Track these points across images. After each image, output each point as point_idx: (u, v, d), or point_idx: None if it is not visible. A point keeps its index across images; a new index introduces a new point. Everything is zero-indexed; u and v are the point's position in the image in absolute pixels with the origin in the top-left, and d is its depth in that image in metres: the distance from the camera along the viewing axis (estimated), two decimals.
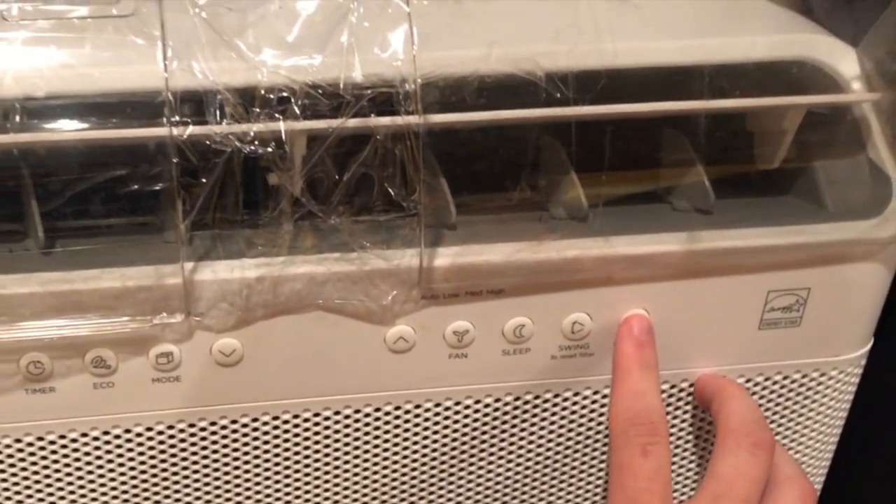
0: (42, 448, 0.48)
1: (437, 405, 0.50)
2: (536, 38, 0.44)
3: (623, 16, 0.46)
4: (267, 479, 0.51)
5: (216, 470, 0.51)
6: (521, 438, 0.52)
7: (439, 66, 0.43)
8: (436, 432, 0.51)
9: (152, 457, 0.49)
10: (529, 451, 0.53)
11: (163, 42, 0.42)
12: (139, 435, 0.48)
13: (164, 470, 0.50)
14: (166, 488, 0.51)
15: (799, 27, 0.50)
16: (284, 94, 0.42)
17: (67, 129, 0.42)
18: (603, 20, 0.45)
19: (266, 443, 0.50)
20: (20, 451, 0.48)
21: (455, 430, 0.51)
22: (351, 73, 0.43)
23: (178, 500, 0.51)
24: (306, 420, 0.50)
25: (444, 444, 0.52)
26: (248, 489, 0.52)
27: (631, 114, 0.46)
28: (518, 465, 0.54)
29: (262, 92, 0.42)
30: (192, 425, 0.49)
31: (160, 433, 0.49)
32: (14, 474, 0.48)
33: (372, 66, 0.43)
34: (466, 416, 0.51)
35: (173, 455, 0.49)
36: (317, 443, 0.51)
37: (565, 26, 0.44)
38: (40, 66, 0.41)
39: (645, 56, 0.46)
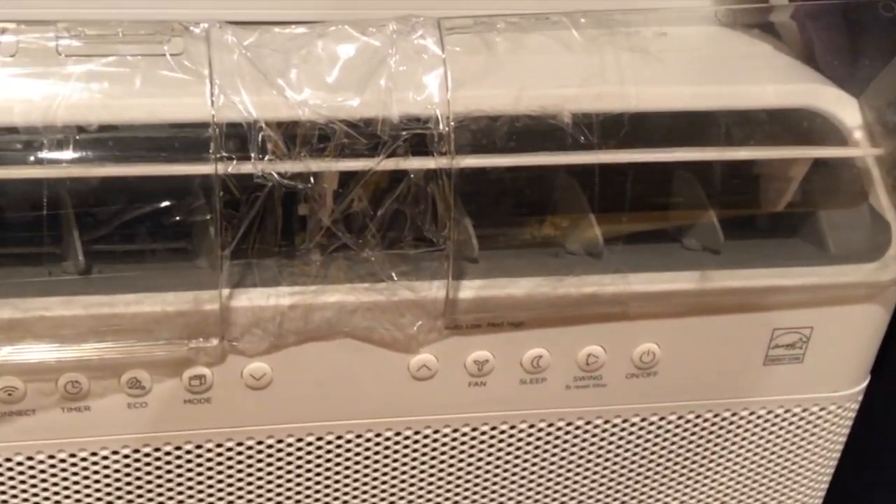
0: (74, 465, 0.50)
1: (456, 431, 0.52)
2: (564, 84, 0.47)
3: (645, 65, 0.48)
4: (288, 499, 0.53)
5: (240, 489, 0.52)
6: (534, 465, 0.55)
7: (471, 109, 0.45)
8: (453, 457, 0.53)
9: (179, 475, 0.51)
10: (541, 477, 0.55)
11: (210, 80, 0.44)
12: (168, 454, 0.50)
13: (191, 488, 0.52)
14: None
15: (805, 77, 0.53)
16: (324, 133, 0.44)
17: (116, 160, 0.44)
18: (626, 68, 0.47)
19: (289, 464, 0.52)
20: (52, 466, 0.49)
21: (471, 456, 0.53)
22: (388, 115, 0.45)
23: None
24: (329, 443, 0.52)
25: (461, 470, 0.54)
26: None
27: (648, 161, 0.48)
28: (531, 490, 0.56)
29: (303, 130, 0.44)
30: (219, 445, 0.50)
31: (188, 452, 0.50)
32: (45, 489, 0.50)
33: (408, 108, 0.45)
34: (483, 443, 0.53)
35: (199, 474, 0.51)
36: (338, 465, 0.52)
37: (591, 74, 0.47)
38: (92, 99, 0.43)
39: (663, 102, 0.49)
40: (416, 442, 0.52)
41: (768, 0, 0.55)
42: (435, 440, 0.52)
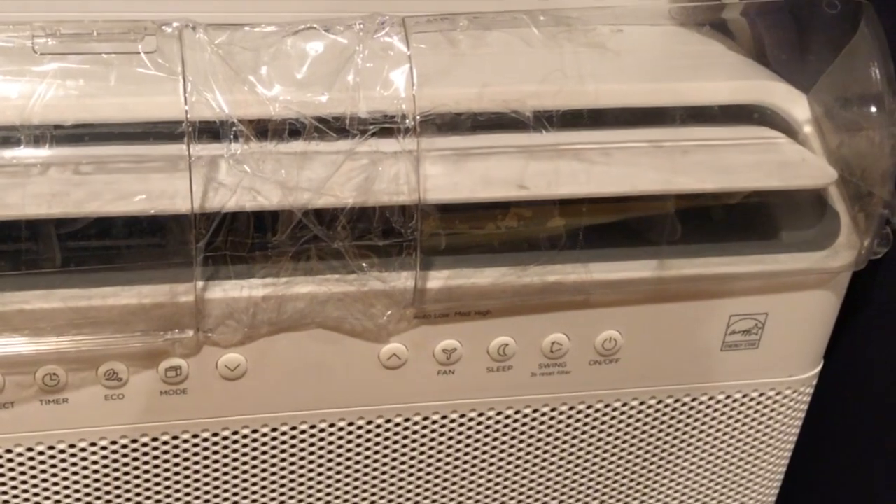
0: (52, 457, 0.51)
1: (426, 419, 0.54)
2: (525, 80, 0.49)
3: (603, 62, 0.50)
4: (263, 488, 0.54)
5: (216, 479, 0.53)
6: (503, 451, 0.56)
7: (437, 104, 0.47)
8: (423, 444, 0.55)
9: (156, 466, 0.52)
10: (509, 462, 0.57)
11: (183, 77, 0.45)
12: (145, 445, 0.51)
13: (167, 479, 0.53)
14: (168, 497, 0.53)
15: (756, 74, 0.55)
16: (295, 128, 0.46)
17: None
18: (585, 65, 0.49)
19: (264, 453, 0.53)
20: (31, 459, 0.50)
21: (441, 443, 0.55)
22: (356, 110, 0.46)
23: None
24: (303, 432, 0.53)
25: (431, 457, 0.55)
26: (245, 499, 0.54)
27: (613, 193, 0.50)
28: (499, 476, 0.57)
29: (274, 125, 0.46)
30: (195, 436, 0.52)
31: (165, 443, 0.52)
32: (24, 482, 0.51)
33: (375, 103, 0.47)
34: (452, 430, 0.55)
35: (176, 465, 0.52)
36: (312, 454, 0.54)
37: (551, 70, 0.49)
38: (68, 96, 0.45)
39: (622, 98, 0.51)
40: (387, 430, 0.54)
41: None
42: (406, 428, 0.54)
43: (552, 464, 0.57)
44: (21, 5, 0.47)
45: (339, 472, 0.55)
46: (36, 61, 0.45)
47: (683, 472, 0.60)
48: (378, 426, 0.54)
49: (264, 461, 0.53)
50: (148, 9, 0.49)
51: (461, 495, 0.57)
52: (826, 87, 0.54)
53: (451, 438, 0.55)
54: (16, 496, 0.51)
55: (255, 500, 0.55)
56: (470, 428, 0.55)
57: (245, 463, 0.53)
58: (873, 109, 0.51)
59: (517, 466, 0.57)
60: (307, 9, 0.50)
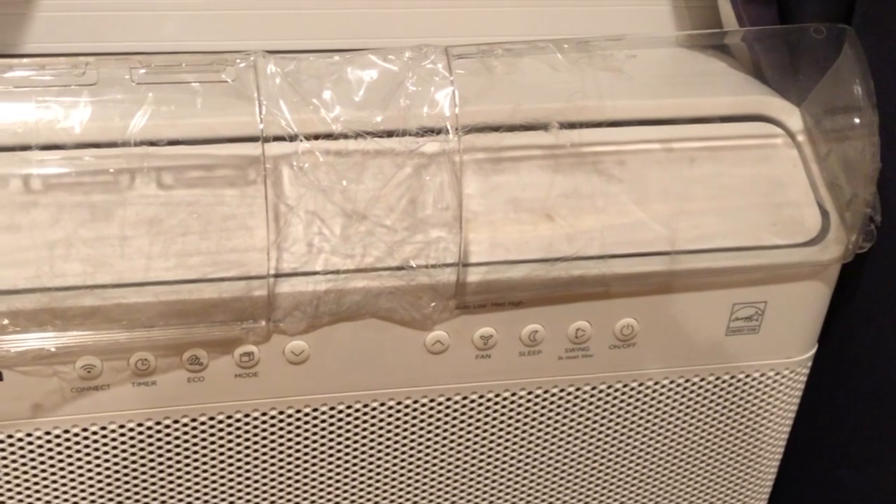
0: (141, 433, 0.58)
1: (465, 398, 0.61)
2: (552, 99, 0.56)
3: (618, 83, 0.57)
4: (322, 460, 0.61)
5: (280, 452, 0.60)
6: (532, 427, 0.63)
7: (476, 121, 0.54)
8: (463, 422, 0.62)
9: (229, 441, 0.59)
10: (538, 438, 0.64)
11: (258, 101, 0.53)
12: (220, 422, 0.58)
13: (240, 452, 0.60)
14: (239, 468, 0.60)
15: (754, 90, 0.62)
16: (353, 143, 0.53)
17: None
18: (603, 86, 0.57)
19: (323, 429, 0.60)
20: (122, 435, 0.58)
21: (479, 420, 0.62)
22: (406, 127, 0.54)
23: (248, 478, 0.61)
24: (357, 410, 0.60)
25: (470, 433, 0.62)
26: (306, 469, 0.62)
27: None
28: (529, 451, 0.64)
29: (335, 141, 0.53)
30: (264, 414, 0.59)
31: (238, 420, 0.59)
32: (115, 455, 0.58)
33: (423, 121, 0.54)
34: (488, 408, 0.62)
35: (247, 439, 0.59)
36: (364, 430, 0.61)
37: (574, 91, 0.56)
38: (162, 119, 0.52)
39: (634, 113, 0.58)
40: (431, 409, 0.61)
41: (723, 26, 0.65)
42: (447, 406, 0.61)
43: (576, 439, 0.64)
44: (119, 37, 0.54)
45: (388, 447, 0.62)
46: (133, 90, 0.52)
47: (694, 446, 0.67)
48: (423, 405, 0.61)
49: (323, 436, 0.60)
50: (225, 38, 0.57)
51: (496, 467, 0.65)
52: (815, 102, 0.61)
53: (487, 416, 0.62)
54: (108, 468, 0.58)
55: (314, 471, 0.62)
56: (504, 406, 0.62)
57: (307, 438, 0.60)
58: (856, 121, 0.58)
59: (545, 441, 0.64)
60: (361, 36, 0.57)
